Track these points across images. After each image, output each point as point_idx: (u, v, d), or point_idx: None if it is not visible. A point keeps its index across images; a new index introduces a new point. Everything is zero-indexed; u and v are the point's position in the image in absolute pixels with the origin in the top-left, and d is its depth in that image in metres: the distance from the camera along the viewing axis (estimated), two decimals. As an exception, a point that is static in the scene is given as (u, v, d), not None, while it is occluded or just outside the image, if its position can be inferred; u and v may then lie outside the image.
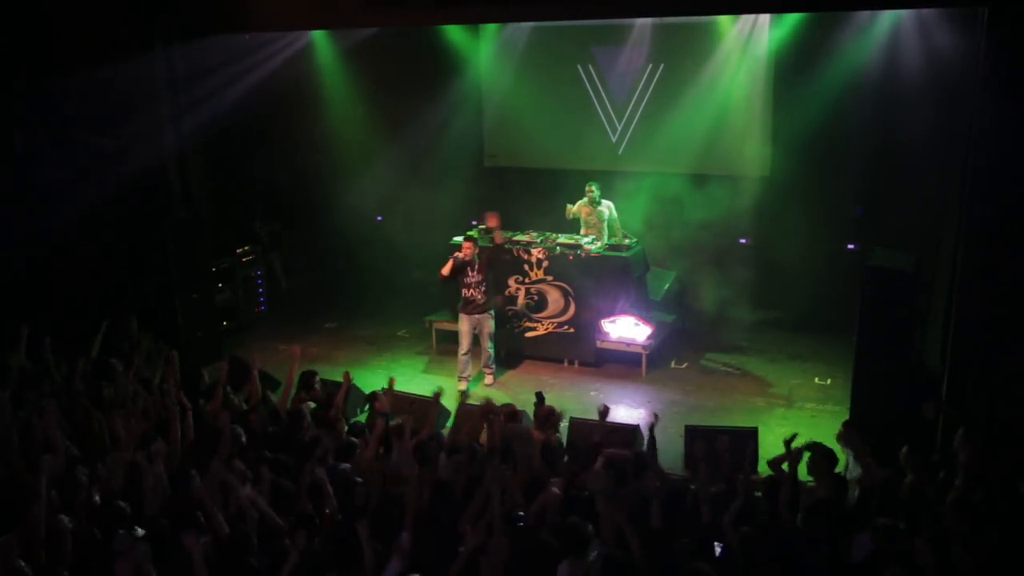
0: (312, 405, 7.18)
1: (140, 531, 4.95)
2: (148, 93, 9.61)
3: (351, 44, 11.69)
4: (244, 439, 6.17)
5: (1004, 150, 6.78)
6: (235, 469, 5.43)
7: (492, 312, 9.43)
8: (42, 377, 7.28)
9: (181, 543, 4.68)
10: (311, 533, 4.93)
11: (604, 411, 6.68)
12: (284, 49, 10.98)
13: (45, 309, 8.88)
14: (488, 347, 9.50)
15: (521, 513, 5.31)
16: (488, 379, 9.58)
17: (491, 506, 4.97)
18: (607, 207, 10.40)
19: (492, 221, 9.70)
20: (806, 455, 6.01)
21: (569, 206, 10.38)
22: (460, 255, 9.25)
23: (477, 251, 9.25)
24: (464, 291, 9.29)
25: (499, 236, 9.56)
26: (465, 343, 9.39)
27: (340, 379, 7.52)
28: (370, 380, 9.01)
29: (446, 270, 9.28)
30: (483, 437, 6.73)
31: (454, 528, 5.05)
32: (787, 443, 6.00)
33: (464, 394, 8.58)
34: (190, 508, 5.18)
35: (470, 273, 9.21)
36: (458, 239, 9.85)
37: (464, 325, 9.37)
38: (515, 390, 9.30)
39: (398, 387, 7.89)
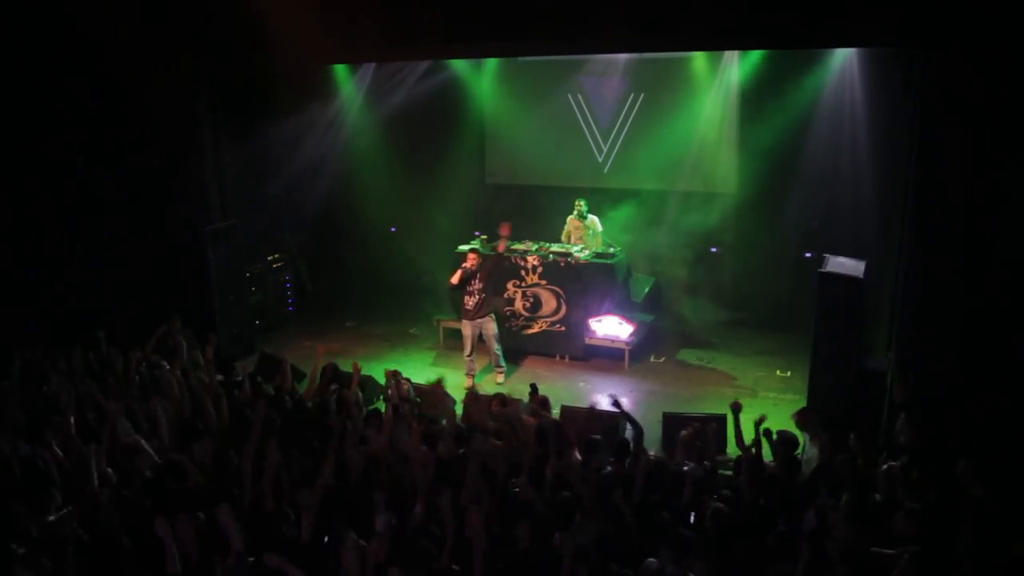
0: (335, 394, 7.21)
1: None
2: (190, 120, 9.70)
3: (370, 77, 11.78)
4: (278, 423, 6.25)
5: (939, 172, 6.86)
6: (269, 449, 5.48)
7: (493, 315, 9.31)
8: (103, 370, 7.34)
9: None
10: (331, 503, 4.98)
11: (615, 402, 6.48)
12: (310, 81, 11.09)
13: (101, 309, 8.95)
14: (495, 348, 9.34)
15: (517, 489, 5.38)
16: (499, 378, 9.39)
17: (470, 473, 5.01)
18: (593, 221, 10.48)
19: (504, 230, 9.26)
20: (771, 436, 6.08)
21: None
22: (467, 266, 9.14)
23: (480, 261, 9.17)
24: (466, 298, 9.18)
25: (503, 244, 9.34)
26: (468, 346, 9.28)
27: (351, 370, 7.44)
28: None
29: (455, 279, 9.19)
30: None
31: (456, 498, 5.10)
32: (757, 424, 6.02)
33: (470, 389, 8.58)
34: (227, 483, 5.25)
35: (473, 282, 9.12)
36: (463, 248, 9.89)
37: (466, 329, 9.26)
38: (513, 381, 9.36)
39: (411, 378, 7.95)
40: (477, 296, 9.14)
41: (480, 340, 9.34)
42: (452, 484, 5.17)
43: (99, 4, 8.96)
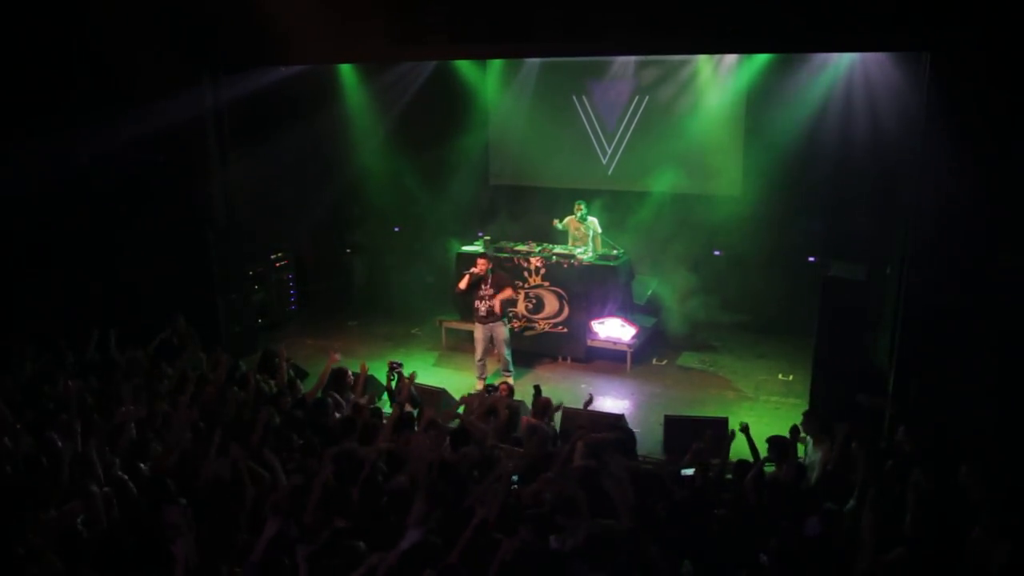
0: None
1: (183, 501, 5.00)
2: (196, 118, 9.70)
3: (375, 76, 11.79)
4: (276, 421, 6.25)
5: (943, 178, 6.86)
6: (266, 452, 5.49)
7: (505, 320, 9.29)
8: (108, 368, 7.35)
9: (225, 512, 4.75)
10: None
11: (589, 400, 6.74)
12: (318, 81, 11.09)
13: (108, 306, 8.98)
14: (505, 353, 9.29)
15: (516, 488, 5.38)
16: (508, 381, 9.17)
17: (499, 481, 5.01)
18: (593, 223, 10.47)
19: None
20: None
21: (556, 221, 10.45)
22: (476, 271, 9.11)
23: (490, 267, 9.14)
24: (477, 303, 9.14)
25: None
26: (480, 350, 9.27)
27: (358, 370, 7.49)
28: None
29: (463, 284, 9.15)
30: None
31: (459, 502, 5.11)
32: (743, 429, 6.20)
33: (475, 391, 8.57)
34: (236, 485, 5.24)
35: (483, 287, 9.09)
36: (467, 248, 9.88)
37: (478, 333, 9.24)
38: (516, 383, 9.33)
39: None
40: (488, 300, 9.12)
41: (490, 343, 9.32)
42: (456, 486, 5.19)
43: (108, 3, 8.99)
